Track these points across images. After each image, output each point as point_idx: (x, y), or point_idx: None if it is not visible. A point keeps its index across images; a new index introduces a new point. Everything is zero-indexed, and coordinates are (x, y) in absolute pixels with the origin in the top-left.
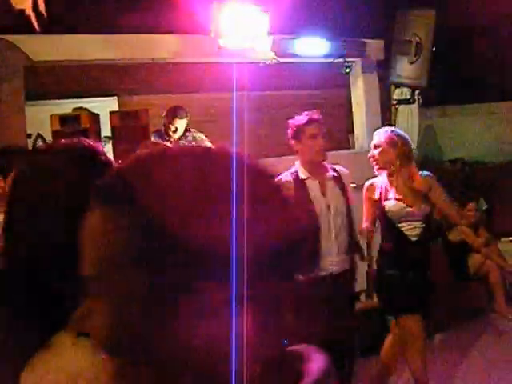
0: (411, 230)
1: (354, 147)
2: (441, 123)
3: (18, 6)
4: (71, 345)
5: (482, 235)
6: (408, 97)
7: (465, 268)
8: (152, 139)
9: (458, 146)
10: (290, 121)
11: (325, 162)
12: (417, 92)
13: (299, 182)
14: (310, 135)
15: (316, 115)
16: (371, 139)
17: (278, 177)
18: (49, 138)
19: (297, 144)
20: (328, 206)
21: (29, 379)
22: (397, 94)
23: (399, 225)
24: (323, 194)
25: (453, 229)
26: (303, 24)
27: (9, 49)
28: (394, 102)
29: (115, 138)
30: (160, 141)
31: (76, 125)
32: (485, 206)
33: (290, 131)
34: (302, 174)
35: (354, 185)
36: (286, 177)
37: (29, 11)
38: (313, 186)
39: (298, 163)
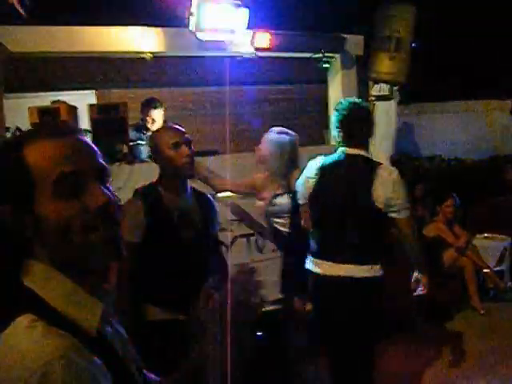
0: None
1: (329, 143)
2: (418, 120)
3: None
4: (24, 328)
5: (457, 231)
6: (386, 93)
7: (440, 264)
8: (130, 133)
9: (436, 143)
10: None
11: None
12: (395, 88)
13: None
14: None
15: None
16: None
17: (388, 166)
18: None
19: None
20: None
21: None
22: (375, 90)
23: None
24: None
25: (428, 224)
26: (283, 18)
27: None
28: (373, 99)
29: (94, 130)
30: (138, 135)
31: (54, 117)
32: (458, 203)
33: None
34: None
35: None
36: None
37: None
38: None
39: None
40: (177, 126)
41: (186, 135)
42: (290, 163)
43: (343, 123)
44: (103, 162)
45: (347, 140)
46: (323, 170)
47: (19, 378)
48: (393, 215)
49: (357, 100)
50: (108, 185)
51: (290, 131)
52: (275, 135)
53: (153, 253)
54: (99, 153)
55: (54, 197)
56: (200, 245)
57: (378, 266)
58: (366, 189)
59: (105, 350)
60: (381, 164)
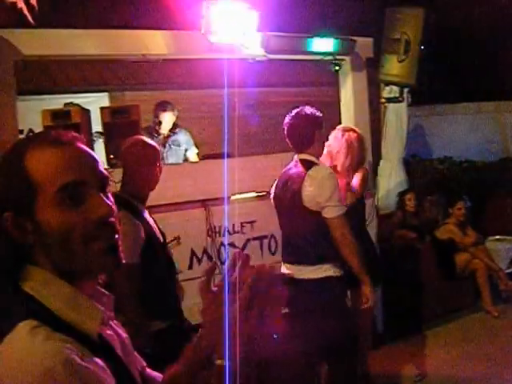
0: None
1: None
2: (429, 122)
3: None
4: (25, 334)
5: (469, 234)
6: (397, 95)
7: (452, 266)
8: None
9: (447, 145)
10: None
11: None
12: (406, 90)
13: None
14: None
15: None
16: None
17: (321, 168)
18: None
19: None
20: None
21: None
22: (386, 93)
23: None
24: None
25: (440, 227)
26: (293, 21)
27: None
28: (383, 101)
29: (106, 133)
30: (150, 138)
31: (67, 120)
32: (468, 205)
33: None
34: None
35: None
36: (330, 168)
37: (20, 4)
38: None
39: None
40: (148, 142)
41: (158, 152)
42: (358, 160)
43: (287, 133)
44: (104, 171)
45: (294, 147)
46: (278, 178)
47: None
48: (324, 215)
49: (302, 108)
50: (108, 193)
51: (356, 128)
52: (342, 132)
53: (148, 268)
54: (100, 161)
55: (56, 206)
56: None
57: (328, 265)
58: (297, 190)
59: (106, 353)
60: (316, 164)
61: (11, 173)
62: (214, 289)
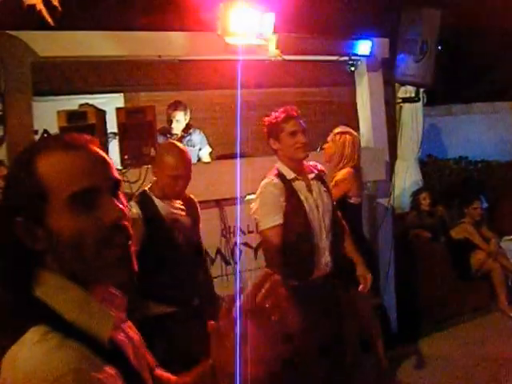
0: None
1: None
2: (445, 122)
3: (29, 1)
4: (35, 342)
5: (484, 233)
6: (413, 95)
7: (468, 266)
8: (157, 137)
9: (462, 145)
10: (266, 118)
11: (304, 161)
12: (421, 90)
13: (287, 184)
14: (290, 132)
15: (293, 111)
16: (376, 137)
17: (263, 181)
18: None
19: (275, 143)
20: (316, 205)
21: (3, 368)
22: (401, 93)
23: None
24: (310, 193)
25: (455, 227)
26: (309, 22)
27: (16, 44)
28: (399, 101)
29: (121, 134)
30: (164, 138)
31: (83, 121)
32: (485, 205)
33: (266, 130)
34: (288, 175)
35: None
36: (272, 180)
37: (40, 6)
38: (300, 187)
39: (279, 164)
40: (183, 153)
41: (188, 167)
42: (348, 161)
43: None
44: (116, 174)
45: None
46: None
47: None
48: None
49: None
50: (120, 196)
51: (350, 130)
52: (338, 135)
53: (150, 256)
54: (112, 164)
55: (68, 211)
56: (189, 245)
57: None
58: None
59: (117, 359)
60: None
61: (22, 177)
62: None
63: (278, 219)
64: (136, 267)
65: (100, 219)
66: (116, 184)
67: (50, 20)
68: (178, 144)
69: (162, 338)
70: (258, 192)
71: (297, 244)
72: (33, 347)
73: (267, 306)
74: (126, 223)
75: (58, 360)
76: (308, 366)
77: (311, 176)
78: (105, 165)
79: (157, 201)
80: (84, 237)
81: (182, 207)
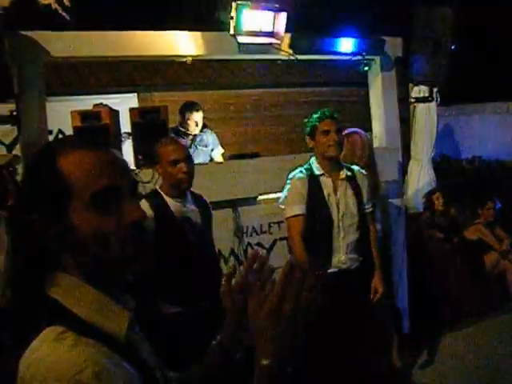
0: None
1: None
2: (459, 121)
3: (44, 1)
4: (52, 341)
5: (498, 234)
6: (426, 95)
7: (481, 267)
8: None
9: (476, 145)
10: (306, 119)
11: (341, 161)
12: (435, 90)
13: (313, 179)
14: (323, 131)
15: (328, 112)
16: (389, 137)
17: (292, 172)
18: (70, 133)
19: (310, 142)
20: (337, 205)
21: (21, 366)
22: (415, 92)
23: None
24: (335, 192)
25: (469, 227)
26: (322, 21)
27: (29, 45)
28: (412, 100)
29: (135, 134)
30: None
31: (96, 121)
32: (498, 205)
33: (305, 129)
34: (317, 170)
35: None
36: (300, 173)
37: (55, 5)
38: (326, 184)
39: (312, 159)
40: (178, 142)
41: (186, 151)
42: (358, 161)
43: None
44: (134, 176)
45: None
46: None
47: None
48: None
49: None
50: (136, 198)
51: (357, 130)
52: (346, 136)
53: (161, 255)
54: (129, 167)
55: (89, 210)
56: (202, 244)
57: None
58: None
59: (133, 357)
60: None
61: (43, 174)
62: (234, 290)
63: (299, 209)
64: (152, 263)
65: (121, 218)
66: (135, 185)
67: (67, 17)
68: (171, 136)
69: (171, 338)
70: (286, 182)
71: (315, 237)
72: (50, 345)
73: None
74: (144, 223)
75: (77, 356)
76: (318, 358)
77: (342, 176)
78: (124, 166)
79: (168, 199)
80: (106, 235)
81: (194, 207)
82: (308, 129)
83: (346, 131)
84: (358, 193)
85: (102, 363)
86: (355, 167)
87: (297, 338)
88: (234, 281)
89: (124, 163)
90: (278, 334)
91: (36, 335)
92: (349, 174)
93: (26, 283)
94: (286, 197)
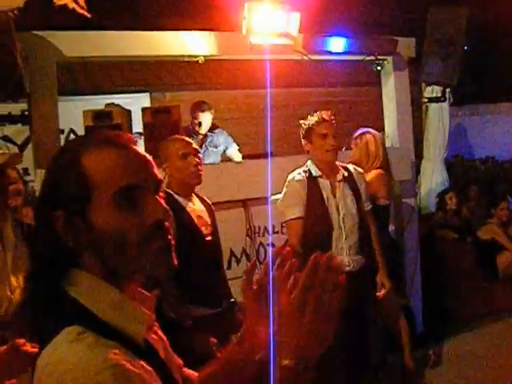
0: None
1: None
2: (472, 122)
3: (59, 2)
4: (71, 341)
5: (511, 234)
6: (439, 95)
7: (494, 267)
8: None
9: (489, 145)
10: (301, 121)
11: (337, 162)
12: (448, 90)
13: (312, 181)
14: (321, 135)
15: (327, 115)
16: (402, 137)
17: (290, 175)
18: (81, 133)
19: (307, 144)
20: (337, 207)
21: (38, 365)
22: (428, 92)
23: None
24: (333, 194)
25: (482, 227)
26: (335, 21)
27: (41, 44)
28: (425, 100)
29: (147, 133)
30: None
31: (108, 121)
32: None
33: (301, 131)
34: (315, 172)
35: None
36: (298, 175)
37: (71, 5)
38: (324, 186)
39: (309, 162)
40: (185, 137)
41: (194, 146)
42: (373, 160)
43: None
44: (158, 174)
45: None
46: None
47: None
48: None
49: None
50: (161, 196)
51: (369, 129)
52: (359, 136)
53: (180, 253)
54: (154, 164)
55: (112, 207)
56: (216, 240)
57: None
58: None
59: (151, 357)
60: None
61: (66, 170)
62: (255, 287)
63: (298, 212)
64: (175, 262)
65: (143, 217)
66: (158, 183)
67: (87, 14)
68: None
69: (189, 340)
70: (284, 185)
71: (314, 239)
72: (69, 346)
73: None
74: (168, 222)
75: (96, 356)
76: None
77: (339, 178)
78: (148, 164)
79: (179, 199)
80: (127, 233)
81: (202, 207)
82: (304, 131)
83: (358, 131)
84: (356, 192)
85: (120, 364)
86: (350, 166)
87: (321, 338)
88: (254, 277)
89: (147, 160)
90: (301, 332)
91: (55, 334)
92: (346, 174)
93: (45, 281)
94: (284, 199)
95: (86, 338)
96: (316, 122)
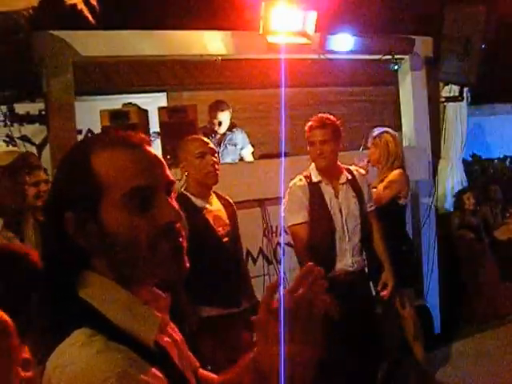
0: None
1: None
2: (489, 121)
3: (70, 1)
4: (80, 345)
5: None
6: (457, 94)
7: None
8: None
9: (507, 144)
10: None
11: (339, 164)
12: (466, 89)
13: (313, 186)
14: (310, 142)
15: (323, 120)
16: (419, 136)
17: (292, 180)
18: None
19: (307, 147)
20: (340, 209)
21: (48, 367)
22: (445, 92)
23: None
24: (336, 197)
25: (499, 227)
26: (352, 20)
27: (58, 44)
28: (443, 100)
29: (163, 133)
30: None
31: (125, 120)
32: None
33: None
34: (315, 177)
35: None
36: (299, 181)
37: (80, 6)
38: (326, 190)
39: (312, 166)
40: (202, 137)
41: (211, 145)
42: (392, 160)
43: None
44: (170, 175)
45: None
46: None
47: None
48: None
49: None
50: (173, 197)
51: (387, 129)
52: (377, 135)
53: (194, 255)
54: (166, 165)
55: (123, 209)
56: (234, 240)
57: None
58: None
59: (163, 361)
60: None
61: (76, 171)
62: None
63: (301, 218)
64: (187, 264)
65: (155, 218)
66: (170, 184)
67: (90, 19)
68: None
69: (207, 340)
70: (287, 191)
71: (318, 243)
72: (78, 350)
73: (311, 295)
74: (180, 224)
75: (104, 363)
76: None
77: (342, 181)
78: (159, 164)
79: (195, 199)
80: (138, 235)
81: (220, 206)
82: (306, 135)
83: (376, 131)
84: (359, 194)
85: (128, 371)
86: (353, 168)
87: (312, 343)
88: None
89: (160, 161)
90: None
91: (65, 335)
92: (349, 177)
93: (56, 283)
94: (286, 205)
95: (96, 341)
96: (308, 127)
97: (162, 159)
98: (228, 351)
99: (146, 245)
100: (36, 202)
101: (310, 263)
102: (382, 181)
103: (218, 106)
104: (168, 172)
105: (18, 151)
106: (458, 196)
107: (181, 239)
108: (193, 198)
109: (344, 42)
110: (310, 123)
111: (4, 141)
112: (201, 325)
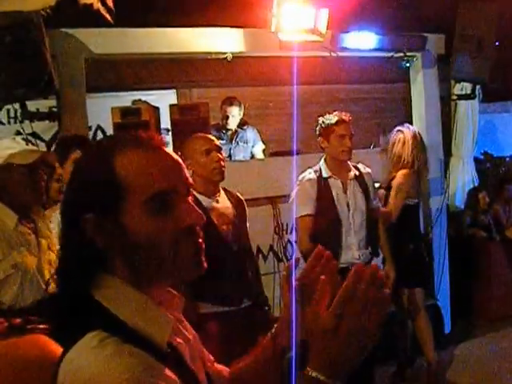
0: None
1: None
2: (501, 119)
3: (85, 1)
4: (93, 347)
5: None
6: (469, 92)
7: None
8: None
9: None
10: (320, 118)
11: (348, 161)
12: (478, 87)
13: (322, 181)
14: (339, 135)
15: (346, 116)
16: (430, 134)
17: (302, 174)
18: (108, 129)
19: (323, 142)
20: (347, 204)
21: (61, 369)
22: (457, 89)
23: None
24: (344, 192)
25: (510, 226)
26: (363, 18)
27: (70, 42)
28: (455, 98)
29: (175, 130)
30: (218, 135)
31: (136, 117)
32: None
33: (318, 128)
34: (325, 173)
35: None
36: (309, 175)
37: (97, 5)
38: (335, 185)
39: (322, 161)
40: (207, 135)
41: (216, 142)
42: (412, 158)
43: None
44: (189, 177)
45: None
46: None
47: None
48: None
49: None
50: (190, 200)
51: (401, 128)
52: (398, 132)
53: None
54: (185, 168)
55: (145, 212)
56: (239, 239)
57: None
58: None
59: (175, 362)
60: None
61: (98, 173)
62: (296, 283)
63: (308, 210)
64: (205, 265)
65: (177, 221)
66: (189, 187)
67: (109, 18)
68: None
69: (209, 338)
70: (296, 183)
71: (325, 235)
72: (91, 353)
73: (323, 278)
74: (200, 226)
75: (116, 368)
76: None
77: (350, 176)
78: (180, 167)
79: (201, 197)
80: (161, 237)
81: (228, 203)
82: (322, 129)
83: (394, 130)
84: (365, 191)
85: (140, 376)
86: (360, 166)
87: (358, 353)
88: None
89: (179, 164)
90: (336, 344)
91: (78, 337)
92: (357, 173)
93: (73, 284)
94: (295, 197)
95: (109, 344)
96: (336, 122)
97: (181, 161)
98: (227, 348)
99: (168, 247)
100: (59, 197)
101: (320, 247)
102: (390, 180)
103: (228, 101)
104: (187, 174)
105: (39, 150)
106: (470, 194)
107: (200, 240)
108: (198, 196)
109: (356, 40)
110: (338, 117)
111: (23, 139)
112: (199, 321)
